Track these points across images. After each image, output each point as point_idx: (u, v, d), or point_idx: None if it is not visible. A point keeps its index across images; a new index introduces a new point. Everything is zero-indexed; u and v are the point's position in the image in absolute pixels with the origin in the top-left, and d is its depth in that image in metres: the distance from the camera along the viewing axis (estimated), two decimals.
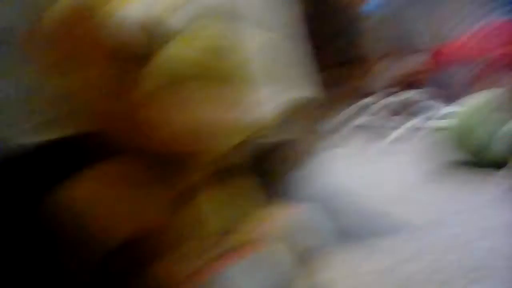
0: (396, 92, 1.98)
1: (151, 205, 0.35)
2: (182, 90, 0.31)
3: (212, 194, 0.37)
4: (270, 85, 0.37)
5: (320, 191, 0.80)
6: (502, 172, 0.92)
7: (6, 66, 0.40)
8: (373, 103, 2.01)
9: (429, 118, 1.87)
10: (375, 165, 1.08)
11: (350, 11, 0.66)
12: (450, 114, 1.72)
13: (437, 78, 2.17)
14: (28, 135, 0.41)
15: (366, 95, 1.96)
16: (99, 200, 0.33)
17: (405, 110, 1.94)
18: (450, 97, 2.11)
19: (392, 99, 1.97)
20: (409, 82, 1.91)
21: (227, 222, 0.38)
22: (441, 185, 0.83)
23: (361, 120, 2.04)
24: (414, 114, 1.91)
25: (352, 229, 0.59)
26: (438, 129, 1.79)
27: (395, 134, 1.83)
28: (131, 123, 0.33)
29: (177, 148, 0.35)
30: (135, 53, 0.32)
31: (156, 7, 0.35)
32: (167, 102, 0.31)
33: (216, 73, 0.31)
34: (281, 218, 0.42)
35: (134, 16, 0.32)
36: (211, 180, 0.38)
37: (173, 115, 0.31)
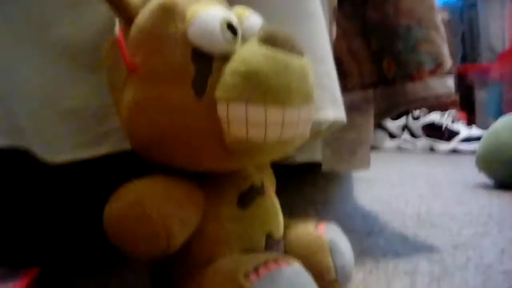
0: (426, 113, 1.96)
1: (195, 215, 0.35)
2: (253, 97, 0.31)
3: (239, 211, 0.38)
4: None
5: (344, 211, 0.81)
6: None
7: (63, 80, 0.42)
8: (404, 124, 2.01)
9: (458, 140, 1.85)
10: (399, 186, 1.07)
11: (394, 28, 0.66)
12: (478, 136, 1.71)
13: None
14: (77, 150, 0.42)
15: (399, 115, 1.95)
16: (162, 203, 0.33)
17: (434, 132, 1.92)
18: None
19: (421, 120, 1.96)
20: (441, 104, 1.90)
21: (251, 239, 0.38)
22: (466, 208, 0.83)
23: (390, 141, 2.04)
24: (442, 136, 1.90)
25: (373, 250, 0.59)
26: (466, 151, 1.77)
27: (421, 155, 1.82)
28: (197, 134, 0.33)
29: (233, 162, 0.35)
30: (214, 54, 0.33)
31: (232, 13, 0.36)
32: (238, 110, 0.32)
33: (281, 88, 0.32)
34: (306, 236, 0.42)
35: (215, 17, 0.33)
36: (240, 196, 0.38)
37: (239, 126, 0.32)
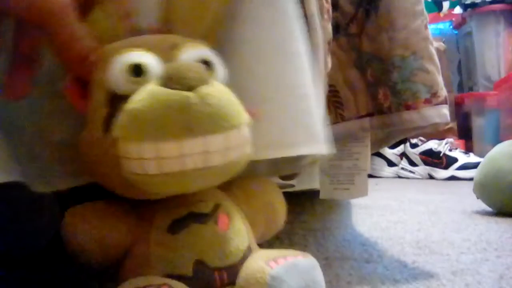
0: (424, 141, 1.98)
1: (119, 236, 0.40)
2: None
3: (168, 236, 0.39)
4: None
5: (343, 239, 0.81)
6: None
7: (54, 116, 0.44)
8: (403, 152, 2.02)
9: (456, 167, 1.86)
10: (398, 213, 1.08)
11: (389, 59, 0.68)
12: (476, 163, 1.72)
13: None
14: (70, 178, 0.44)
15: (397, 143, 1.96)
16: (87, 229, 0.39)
17: (432, 159, 1.93)
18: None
19: (419, 148, 1.97)
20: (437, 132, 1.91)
21: (176, 264, 0.38)
22: (464, 234, 0.83)
23: (389, 169, 2.04)
24: (440, 164, 1.91)
25: (372, 278, 0.59)
26: (464, 178, 1.78)
27: (420, 182, 1.83)
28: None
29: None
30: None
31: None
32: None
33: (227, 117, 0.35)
34: (251, 268, 0.39)
35: (121, 61, 0.37)
36: (172, 222, 0.39)
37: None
